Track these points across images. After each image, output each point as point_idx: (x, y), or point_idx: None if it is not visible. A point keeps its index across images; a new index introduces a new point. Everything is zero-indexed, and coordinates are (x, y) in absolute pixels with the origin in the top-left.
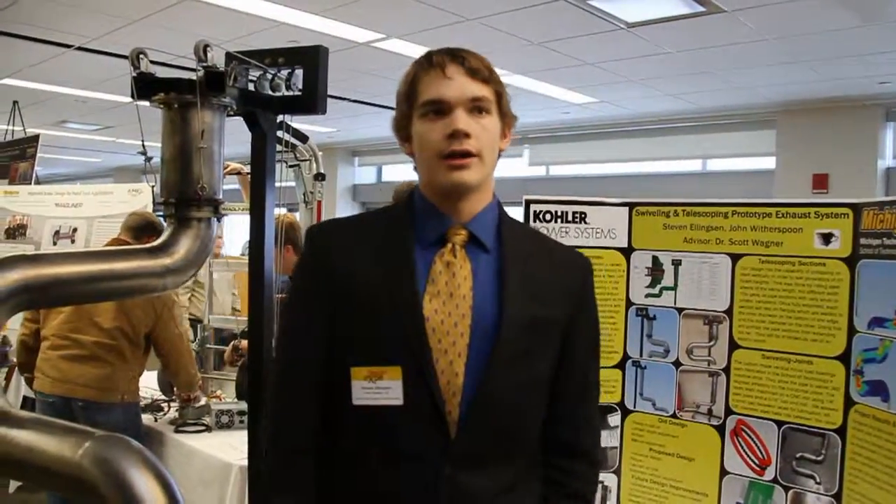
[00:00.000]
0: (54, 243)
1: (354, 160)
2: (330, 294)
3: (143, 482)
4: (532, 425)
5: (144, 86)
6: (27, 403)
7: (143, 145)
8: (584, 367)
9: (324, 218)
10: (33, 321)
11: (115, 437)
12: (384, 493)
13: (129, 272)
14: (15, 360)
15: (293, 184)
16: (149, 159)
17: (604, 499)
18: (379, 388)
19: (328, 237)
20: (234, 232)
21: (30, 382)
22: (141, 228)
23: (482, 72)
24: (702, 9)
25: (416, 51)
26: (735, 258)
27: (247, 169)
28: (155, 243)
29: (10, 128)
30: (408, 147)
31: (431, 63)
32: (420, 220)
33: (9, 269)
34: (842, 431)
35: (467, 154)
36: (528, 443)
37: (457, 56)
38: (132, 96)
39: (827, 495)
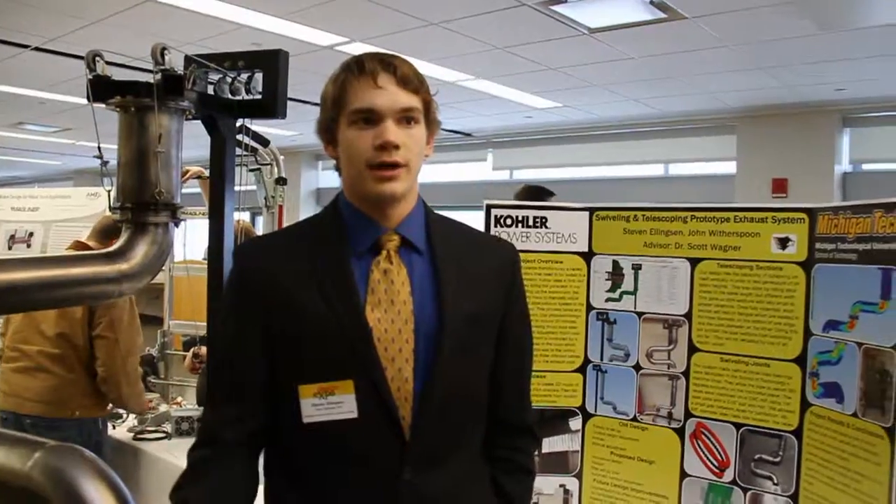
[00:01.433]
0: (10, 248)
1: (318, 164)
2: (264, 317)
3: (96, 493)
4: (480, 413)
5: (101, 88)
6: None
7: (99, 149)
8: (519, 344)
9: (287, 223)
10: None
11: (66, 447)
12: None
13: (85, 278)
14: None
15: (254, 188)
16: (105, 163)
17: (566, 502)
18: (330, 404)
19: (258, 259)
20: (194, 236)
21: None
22: (108, 232)
23: (412, 81)
24: (663, 15)
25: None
26: (694, 262)
27: (207, 173)
28: (111, 249)
29: None
30: (332, 150)
31: (363, 70)
32: (351, 229)
33: None
34: (798, 433)
35: (396, 165)
36: (479, 432)
37: (389, 64)
38: (88, 99)
39: (784, 496)
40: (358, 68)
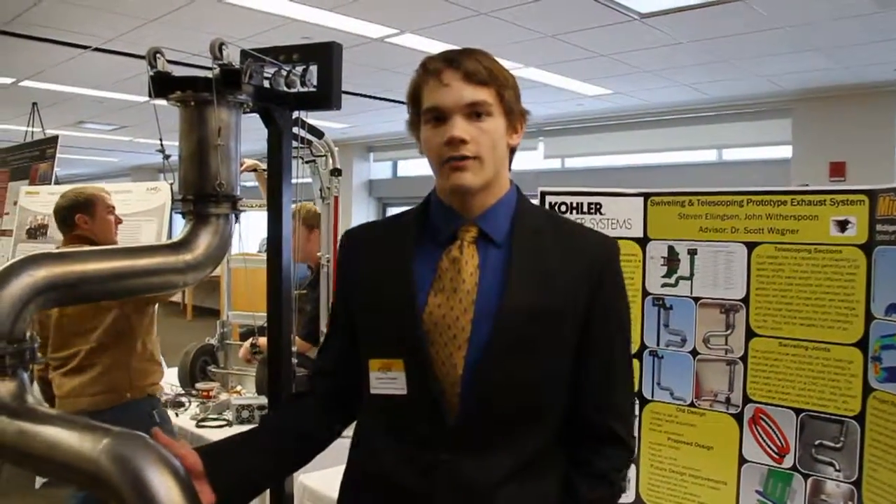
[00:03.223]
0: None
1: (370, 155)
2: (347, 294)
3: (159, 479)
4: (542, 415)
5: (161, 84)
6: None
7: (161, 143)
8: (604, 356)
9: (341, 213)
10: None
11: (132, 435)
12: (389, 475)
13: (152, 268)
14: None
15: (310, 180)
16: (167, 157)
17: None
18: (389, 379)
19: (349, 241)
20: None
21: None
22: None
23: (478, 74)
24: None
25: (430, 45)
26: (751, 246)
27: (263, 165)
28: (175, 240)
29: (30, 129)
30: (420, 147)
31: (429, 69)
32: (434, 219)
33: (36, 267)
34: (860, 418)
35: (464, 158)
36: (538, 431)
37: (453, 61)
38: (149, 95)
39: (847, 482)
40: (424, 68)
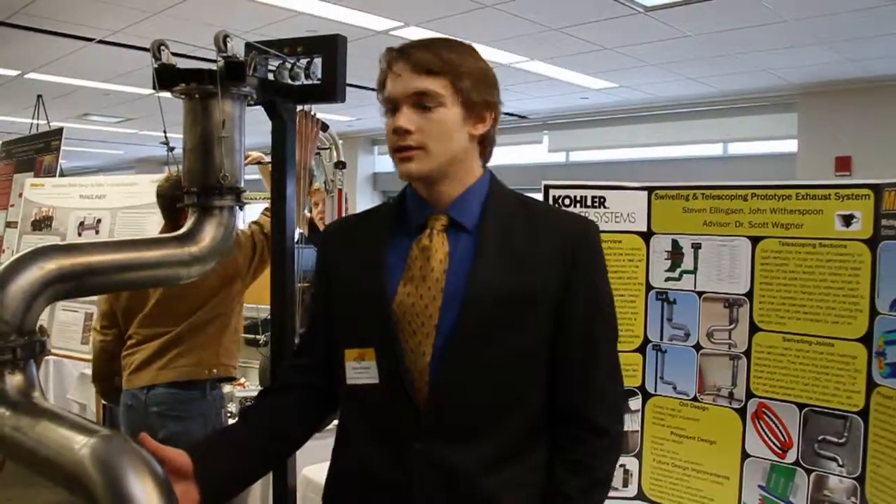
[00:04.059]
0: (79, 234)
1: (374, 149)
2: (326, 286)
3: (139, 485)
4: (519, 399)
5: (166, 77)
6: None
7: (166, 135)
8: (585, 331)
9: (344, 206)
10: (113, 326)
11: (115, 436)
12: (363, 467)
13: (158, 261)
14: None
15: (315, 172)
16: (171, 149)
17: (625, 482)
18: (363, 368)
19: (328, 236)
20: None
21: (106, 391)
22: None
23: (428, 64)
24: None
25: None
26: (755, 241)
27: (267, 158)
28: (181, 232)
29: (35, 121)
30: None
31: (384, 61)
32: (409, 209)
33: (45, 259)
34: (864, 414)
35: (409, 148)
36: (516, 417)
37: (404, 51)
38: (154, 87)
39: (850, 478)
40: (382, 60)
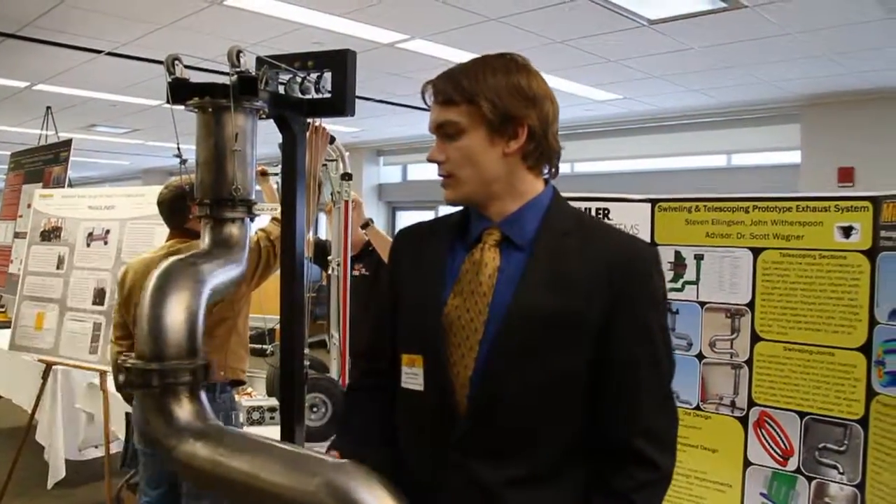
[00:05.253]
0: (88, 245)
1: (379, 160)
2: (392, 289)
3: None
4: (554, 423)
5: (179, 91)
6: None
7: (179, 148)
8: (628, 357)
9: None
10: (127, 337)
11: (347, 465)
12: (403, 465)
13: (236, 275)
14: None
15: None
16: (184, 161)
17: None
18: (412, 374)
19: (399, 241)
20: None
21: (128, 398)
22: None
23: (446, 94)
24: (724, 4)
25: (440, 51)
26: (756, 252)
27: (270, 170)
28: (203, 248)
29: (44, 132)
30: None
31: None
32: (470, 222)
33: (199, 271)
34: (864, 422)
35: (444, 176)
36: (550, 440)
37: (432, 83)
38: (167, 101)
39: (850, 485)
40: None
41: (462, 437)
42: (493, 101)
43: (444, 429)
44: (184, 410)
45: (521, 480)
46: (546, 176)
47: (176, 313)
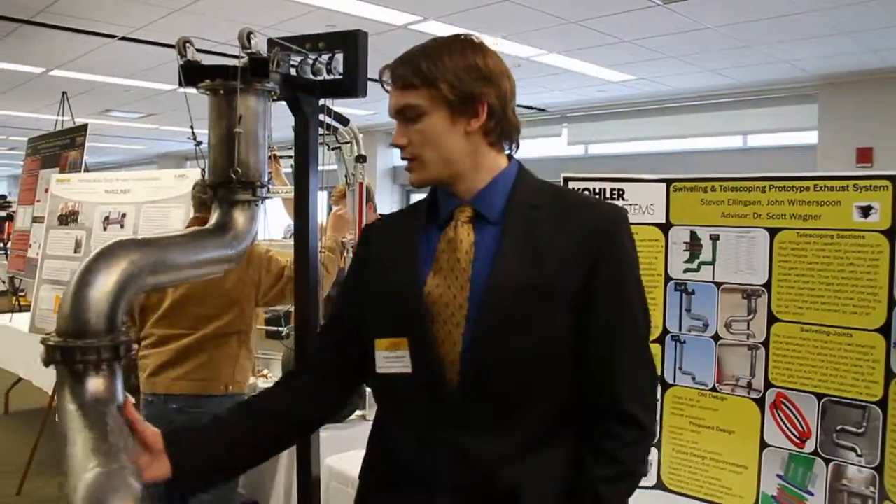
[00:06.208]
0: (104, 229)
1: None
2: (359, 277)
3: None
4: (543, 392)
5: (191, 73)
6: None
7: (193, 131)
8: (609, 319)
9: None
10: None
11: (115, 476)
12: (393, 453)
13: (215, 256)
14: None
15: (335, 166)
16: (198, 144)
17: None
18: (396, 358)
19: (370, 230)
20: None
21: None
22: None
23: (404, 79)
24: None
25: (453, 31)
26: (773, 232)
27: (279, 153)
28: (210, 225)
29: (60, 118)
30: None
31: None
32: (439, 203)
33: (128, 254)
34: (883, 403)
35: (408, 160)
36: (541, 409)
37: (390, 69)
38: (179, 84)
39: (868, 467)
40: None
41: (452, 412)
42: (452, 81)
43: (433, 407)
44: (90, 385)
45: (511, 452)
46: (508, 151)
47: (96, 293)
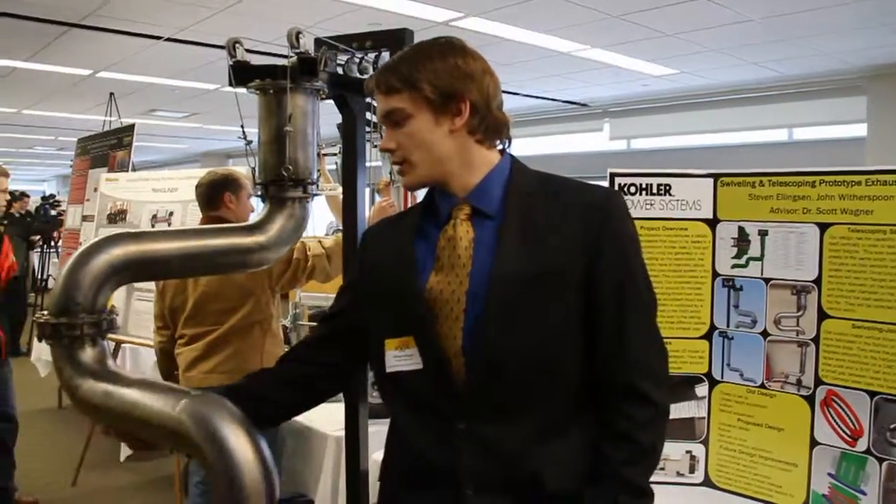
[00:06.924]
0: (153, 226)
1: None
2: (361, 284)
3: (234, 436)
4: (555, 376)
5: (241, 73)
6: None
7: (243, 129)
8: (615, 298)
9: (409, 196)
10: (166, 327)
11: (209, 396)
12: (412, 449)
13: (224, 249)
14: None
15: (380, 163)
16: (249, 142)
17: (692, 468)
18: (406, 356)
19: (368, 235)
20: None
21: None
22: (211, 194)
23: (388, 83)
24: None
25: (495, 28)
26: (823, 227)
27: (325, 150)
28: (251, 222)
29: (108, 118)
30: None
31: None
32: (436, 202)
33: (114, 246)
34: None
35: (399, 163)
36: (555, 394)
37: (375, 78)
38: (229, 83)
39: None
40: None
41: (466, 404)
42: (433, 82)
43: (448, 400)
44: (86, 356)
45: (530, 439)
46: (501, 147)
47: (83, 274)
